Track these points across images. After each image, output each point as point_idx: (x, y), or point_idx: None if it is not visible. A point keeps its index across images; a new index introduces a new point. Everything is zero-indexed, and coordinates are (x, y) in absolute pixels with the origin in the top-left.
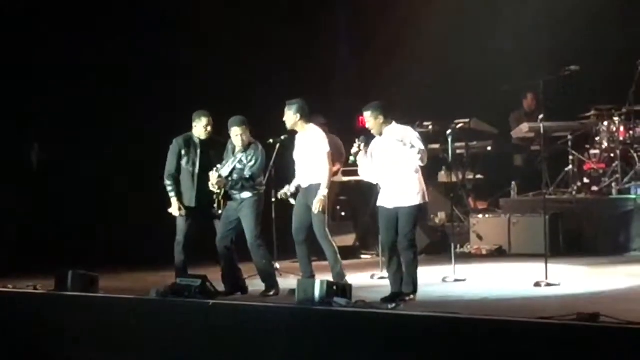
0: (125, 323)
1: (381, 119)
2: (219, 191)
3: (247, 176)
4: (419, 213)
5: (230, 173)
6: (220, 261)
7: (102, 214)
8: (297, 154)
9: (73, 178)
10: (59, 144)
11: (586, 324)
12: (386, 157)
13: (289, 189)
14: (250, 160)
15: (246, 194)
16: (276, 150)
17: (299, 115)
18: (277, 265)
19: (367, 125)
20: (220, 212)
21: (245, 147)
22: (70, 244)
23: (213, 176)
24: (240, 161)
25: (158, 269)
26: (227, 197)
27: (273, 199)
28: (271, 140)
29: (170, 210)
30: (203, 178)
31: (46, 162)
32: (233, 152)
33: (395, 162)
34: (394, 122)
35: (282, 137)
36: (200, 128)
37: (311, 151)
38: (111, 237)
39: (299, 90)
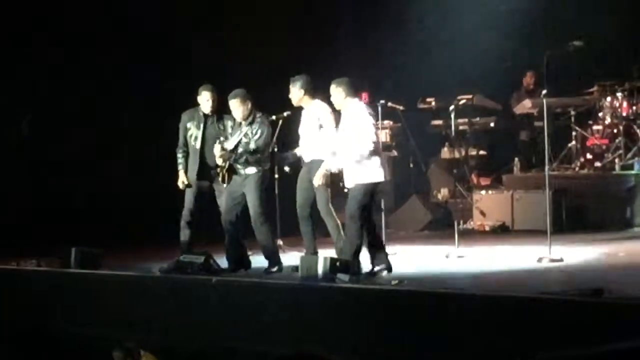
0: (129, 300)
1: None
2: (223, 164)
3: (252, 149)
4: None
5: (236, 146)
6: (225, 236)
7: (105, 189)
8: (302, 129)
9: (72, 150)
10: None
11: (589, 299)
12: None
13: (287, 157)
14: (256, 134)
15: (251, 169)
16: (279, 127)
17: (303, 91)
18: (280, 241)
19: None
20: (225, 185)
21: (251, 120)
22: (73, 220)
23: (217, 149)
24: (245, 134)
25: (162, 245)
26: (232, 171)
27: (276, 175)
28: (274, 117)
29: (179, 185)
30: (207, 152)
31: (38, 133)
32: (232, 128)
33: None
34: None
35: (285, 114)
36: (203, 102)
37: (316, 126)
38: (115, 212)
39: (301, 68)
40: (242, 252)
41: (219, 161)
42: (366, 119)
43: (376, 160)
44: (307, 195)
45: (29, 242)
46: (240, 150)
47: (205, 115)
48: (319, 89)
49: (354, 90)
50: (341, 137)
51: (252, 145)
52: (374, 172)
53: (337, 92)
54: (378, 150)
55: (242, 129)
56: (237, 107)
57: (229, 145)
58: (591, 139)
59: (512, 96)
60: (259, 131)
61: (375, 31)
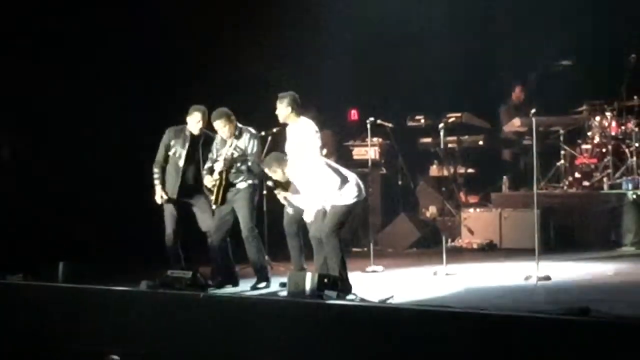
0: (116, 315)
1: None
2: (218, 182)
3: (250, 163)
4: None
5: (229, 163)
6: (214, 253)
7: (92, 205)
8: (289, 147)
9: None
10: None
11: (576, 318)
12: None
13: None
14: (249, 145)
15: (242, 184)
16: (268, 143)
17: (290, 108)
18: (267, 257)
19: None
20: (215, 207)
21: (238, 134)
22: (60, 235)
23: (208, 179)
24: (236, 148)
25: (149, 261)
26: (225, 191)
27: (264, 191)
28: (263, 133)
29: (157, 199)
30: (189, 172)
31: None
32: (217, 148)
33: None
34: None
35: (274, 130)
36: (192, 123)
37: (302, 144)
38: (102, 227)
39: (292, 84)
40: (231, 267)
41: (209, 184)
42: (316, 139)
43: (350, 180)
44: (295, 212)
45: (15, 256)
46: (233, 163)
47: (192, 135)
48: (305, 107)
49: (299, 105)
50: (290, 154)
51: (249, 159)
52: (352, 192)
53: (281, 107)
54: (346, 171)
55: (232, 143)
56: (222, 126)
57: (218, 167)
58: (580, 158)
59: (500, 111)
60: (251, 143)
61: (363, 49)
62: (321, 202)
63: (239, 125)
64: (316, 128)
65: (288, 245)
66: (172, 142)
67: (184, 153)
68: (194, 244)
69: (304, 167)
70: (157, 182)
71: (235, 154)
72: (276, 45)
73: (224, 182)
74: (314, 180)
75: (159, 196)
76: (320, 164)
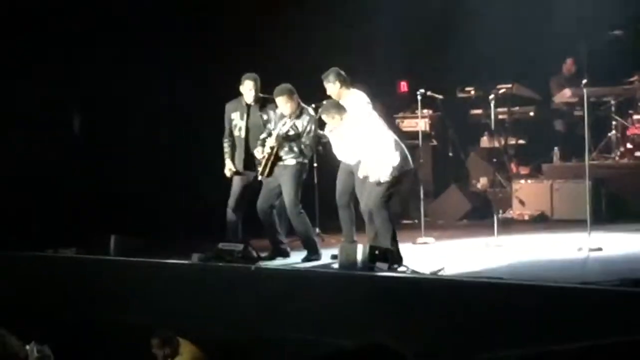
0: (167, 288)
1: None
2: (269, 155)
3: (304, 146)
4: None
5: (282, 141)
6: (263, 225)
7: (146, 179)
8: (345, 120)
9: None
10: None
11: (629, 289)
12: None
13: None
14: (306, 128)
15: (290, 161)
16: (318, 115)
17: (338, 84)
18: (318, 230)
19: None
20: (261, 177)
21: (299, 114)
22: (113, 209)
23: (259, 151)
24: (293, 126)
25: (201, 234)
26: (274, 165)
27: (315, 164)
28: (313, 105)
29: (226, 173)
30: (252, 142)
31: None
32: (275, 122)
33: None
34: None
35: (324, 102)
36: (246, 91)
37: (356, 115)
38: (154, 201)
39: (341, 56)
40: (279, 239)
41: (258, 154)
42: (369, 109)
43: (398, 149)
44: (347, 184)
45: (68, 230)
46: (287, 141)
47: (248, 105)
48: (353, 79)
49: (346, 78)
50: (349, 135)
51: (304, 139)
52: (396, 162)
53: (329, 86)
54: (396, 140)
55: (291, 120)
56: (284, 103)
57: (272, 139)
58: (631, 129)
59: (550, 83)
60: (309, 126)
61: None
62: (377, 164)
63: (302, 104)
64: (367, 99)
65: (339, 218)
66: (232, 116)
67: (243, 124)
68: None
69: (362, 135)
70: (226, 155)
71: (291, 132)
72: (325, 16)
73: (272, 157)
74: (370, 145)
75: (228, 169)
76: (375, 131)
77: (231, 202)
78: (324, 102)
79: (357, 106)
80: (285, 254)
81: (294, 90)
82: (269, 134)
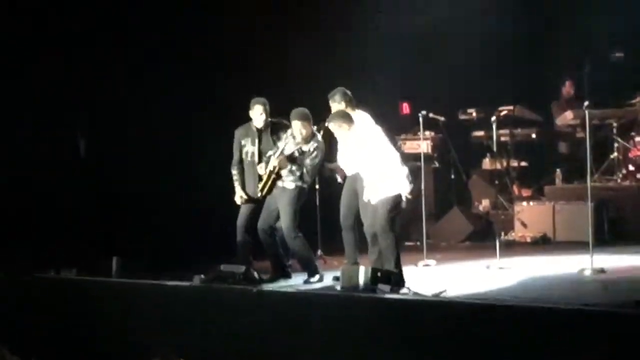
0: (169, 309)
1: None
2: (271, 173)
3: (305, 171)
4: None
5: (286, 162)
6: (264, 245)
7: (145, 201)
8: (349, 141)
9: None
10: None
11: (632, 311)
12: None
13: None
14: (313, 153)
15: (289, 184)
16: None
17: (344, 103)
18: (320, 252)
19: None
20: (261, 195)
21: (307, 139)
22: (114, 230)
23: (262, 167)
24: (300, 150)
25: (203, 256)
26: (274, 184)
27: (317, 186)
28: (315, 127)
29: (236, 200)
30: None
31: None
32: (286, 142)
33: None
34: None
35: (326, 123)
36: (256, 116)
37: (362, 136)
38: (157, 223)
39: (343, 79)
40: (281, 261)
41: (261, 170)
42: (375, 130)
43: (402, 171)
44: (351, 205)
45: (70, 251)
46: (290, 162)
47: (259, 130)
48: (359, 100)
49: (351, 99)
50: (354, 151)
51: (308, 163)
52: (400, 183)
53: (335, 105)
54: (400, 160)
55: (298, 143)
56: (300, 127)
57: (275, 160)
58: (633, 151)
59: (552, 106)
60: (315, 152)
61: (414, 41)
62: (380, 185)
63: (314, 131)
64: (371, 120)
65: (343, 239)
66: (243, 142)
67: (255, 150)
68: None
69: (366, 156)
70: (236, 183)
71: (296, 154)
72: (327, 38)
73: (273, 175)
74: (374, 167)
75: (239, 197)
76: (381, 152)
77: (241, 221)
78: (325, 122)
79: (363, 126)
80: (287, 276)
81: (310, 116)
82: (274, 152)
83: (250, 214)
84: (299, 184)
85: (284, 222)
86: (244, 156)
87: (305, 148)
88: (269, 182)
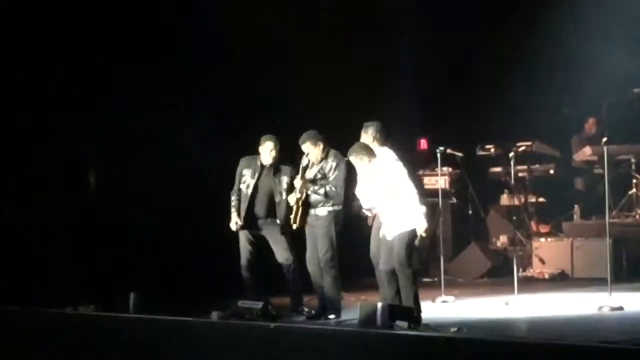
0: (187, 345)
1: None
2: (298, 200)
3: (329, 188)
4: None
5: (313, 179)
6: (313, 282)
7: (163, 236)
8: (370, 175)
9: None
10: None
11: None
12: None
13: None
14: (332, 169)
15: (321, 210)
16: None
17: (372, 138)
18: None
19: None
20: (295, 226)
21: (325, 156)
22: (132, 266)
23: (292, 197)
24: (320, 170)
25: (220, 292)
26: (305, 211)
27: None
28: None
29: (232, 226)
30: (258, 203)
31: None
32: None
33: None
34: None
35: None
36: (265, 152)
37: (385, 172)
38: (174, 258)
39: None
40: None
41: (292, 200)
42: (397, 167)
43: (419, 209)
44: (392, 251)
45: (88, 287)
46: (313, 184)
47: (263, 166)
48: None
49: (383, 136)
50: (374, 186)
51: (330, 183)
52: (417, 219)
53: (365, 136)
54: (419, 198)
55: (319, 165)
56: (310, 149)
57: (299, 183)
58: None
59: (572, 141)
60: (336, 169)
61: (433, 77)
62: (397, 222)
63: (329, 149)
64: (396, 158)
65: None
66: (244, 172)
67: (252, 183)
68: (272, 274)
69: (384, 192)
70: (232, 209)
71: (319, 176)
72: (345, 72)
73: (301, 205)
74: (392, 203)
75: (234, 223)
76: (399, 189)
77: (243, 260)
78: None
79: (384, 162)
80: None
81: (318, 136)
82: (280, 193)
83: (249, 251)
84: (331, 208)
85: (321, 252)
86: (242, 186)
87: (325, 166)
88: (299, 212)
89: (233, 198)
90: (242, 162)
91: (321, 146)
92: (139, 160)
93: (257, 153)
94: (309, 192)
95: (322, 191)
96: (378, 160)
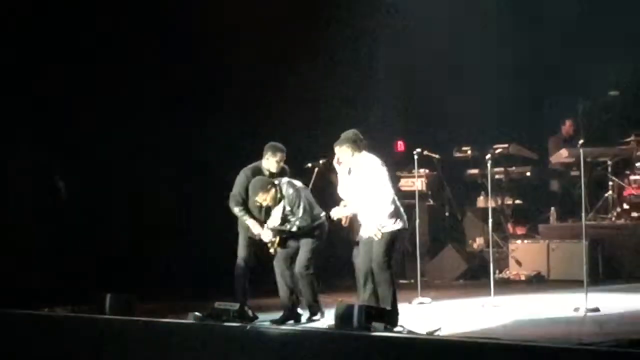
0: (163, 346)
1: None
2: (274, 240)
3: (299, 222)
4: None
5: (282, 222)
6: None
7: (139, 236)
8: (353, 180)
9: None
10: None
11: (626, 350)
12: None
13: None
14: (294, 204)
15: (304, 240)
16: (315, 175)
17: (349, 150)
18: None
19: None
20: (278, 251)
21: (280, 196)
22: (107, 267)
23: (267, 235)
24: (284, 209)
25: (197, 293)
26: (283, 241)
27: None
28: (309, 165)
29: (255, 232)
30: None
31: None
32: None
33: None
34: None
35: (320, 161)
36: (272, 162)
37: (368, 178)
38: (148, 259)
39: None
40: (316, 299)
41: (267, 237)
42: (380, 172)
43: (396, 208)
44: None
45: (64, 288)
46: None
47: (272, 174)
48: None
49: (358, 144)
50: (357, 192)
51: (299, 217)
52: (395, 220)
53: (342, 151)
54: (396, 199)
55: (281, 203)
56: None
57: (272, 223)
58: (628, 189)
59: (549, 142)
60: (295, 199)
61: (411, 79)
62: (376, 223)
63: (279, 186)
64: (378, 162)
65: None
66: (257, 198)
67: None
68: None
69: (365, 196)
70: (247, 217)
71: (287, 211)
72: (323, 77)
73: (278, 243)
74: (372, 205)
75: (259, 227)
76: (379, 193)
77: (239, 261)
78: (320, 161)
79: (367, 168)
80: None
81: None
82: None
83: (250, 253)
84: (314, 233)
85: (299, 261)
86: (254, 205)
87: (285, 204)
88: (277, 241)
89: (239, 209)
90: (246, 173)
91: (267, 189)
92: (114, 160)
93: (253, 160)
94: (284, 236)
95: (295, 229)
96: (362, 164)
